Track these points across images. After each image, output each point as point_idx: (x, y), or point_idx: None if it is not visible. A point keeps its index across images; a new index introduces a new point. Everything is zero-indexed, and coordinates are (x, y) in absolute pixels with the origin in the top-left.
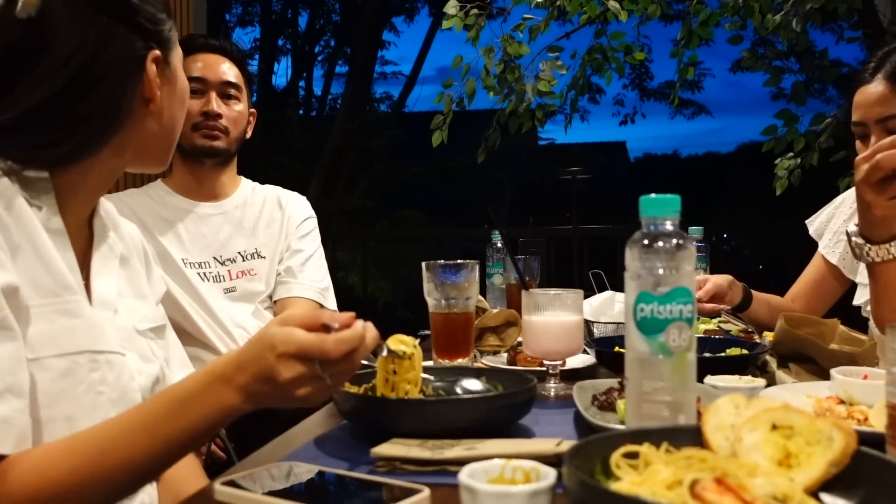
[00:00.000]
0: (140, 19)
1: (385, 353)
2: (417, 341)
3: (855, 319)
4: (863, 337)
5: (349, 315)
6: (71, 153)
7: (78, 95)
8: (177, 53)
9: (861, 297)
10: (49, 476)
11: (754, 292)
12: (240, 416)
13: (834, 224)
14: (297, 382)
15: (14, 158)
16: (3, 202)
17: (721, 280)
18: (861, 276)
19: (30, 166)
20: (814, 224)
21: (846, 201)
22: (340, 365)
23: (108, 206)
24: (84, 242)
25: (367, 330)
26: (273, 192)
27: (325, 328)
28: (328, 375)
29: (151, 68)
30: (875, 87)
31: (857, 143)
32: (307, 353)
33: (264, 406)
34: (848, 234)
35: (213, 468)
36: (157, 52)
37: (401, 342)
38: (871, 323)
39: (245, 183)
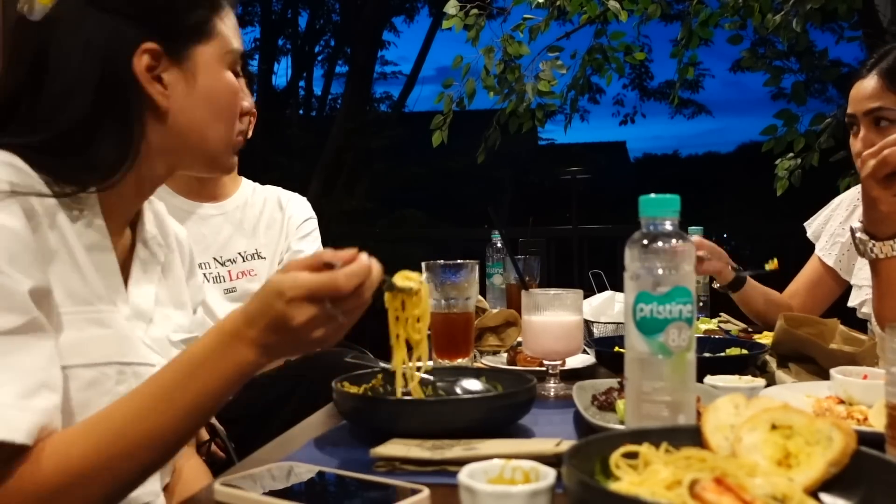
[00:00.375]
0: (131, 8)
1: (392, 290)
2: (424, 276)
3: (851, 321)
4: (862, 337)
5: (351, 251)
6: (105, 171)
7: (89, 104)
8: (205, 47)
9: (856, 299)
10: (71, 457)
11: (752, 281)
12: (240, 417)
13: (830, 226)
14: (311, 325)
15: (56, 178)
16: (43, 208)
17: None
18: (856, 277)
19: (72, 188)
20: (811, 226)
21: (843, 203)
22: (351, 301)
23: (158, 208)
24: (126, 248)
25: (372, 262)
26: (273, 192)
27: (329, 266)
28: (340, 313)
29: (141, 62)
30: (868, 81)
31: (851, 138)
32: (317, 293)
33: (281, 357)
34: (852, 230)
35: (214, 468)
36: (152, 44)
37: (407, 278)
38: (871, 323)
39: (245, 183)
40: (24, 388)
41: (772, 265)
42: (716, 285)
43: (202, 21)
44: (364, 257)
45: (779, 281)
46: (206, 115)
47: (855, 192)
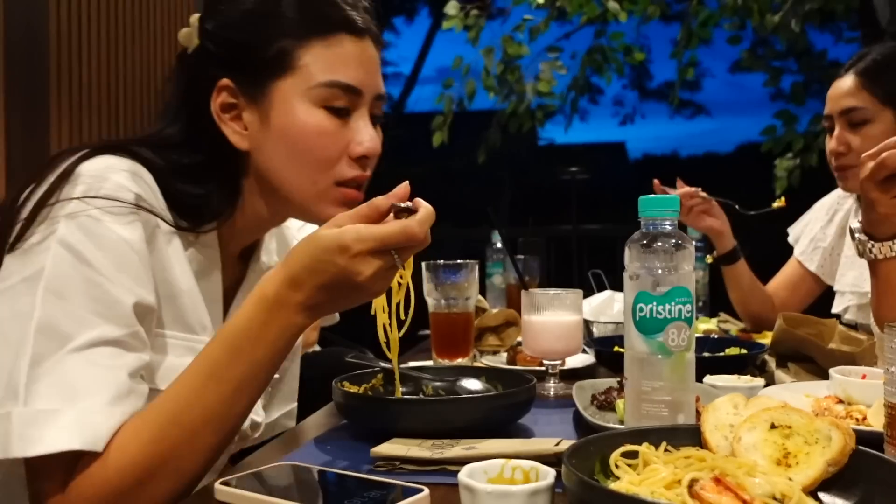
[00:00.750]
0: (212, 43)
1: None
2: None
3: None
4: (861, 337)
5: (403, 186)
6: (215, 208)
7: (184, 137)
8: (282, 82)
9: (839, 306)
10: (131, 454)
11: (744, 262)
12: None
13: (810, 230)
14: (376, 278)
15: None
16: (162, 233)
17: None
18: (839, 283)
19: (187, 222)
20: (793, 232)
21: (822, 207)
22: (411, 251)
23: (288, 235)
24: (236, 277)
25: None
26: None
27: (395, 211)
28: (399, 261)
29: (217, 100)
30: (845, 81)
31: (827, 137)
32: (389, 244)
33: (327, 313)
34: (851, 231)
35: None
36: (228, 81)
37: None
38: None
39: None
40: (112, 397)
41: (779, 203)
42: (709, 257)
43: (282, 53)
44: (423, 202)
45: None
46: (284, 158)
47: (835, 195)
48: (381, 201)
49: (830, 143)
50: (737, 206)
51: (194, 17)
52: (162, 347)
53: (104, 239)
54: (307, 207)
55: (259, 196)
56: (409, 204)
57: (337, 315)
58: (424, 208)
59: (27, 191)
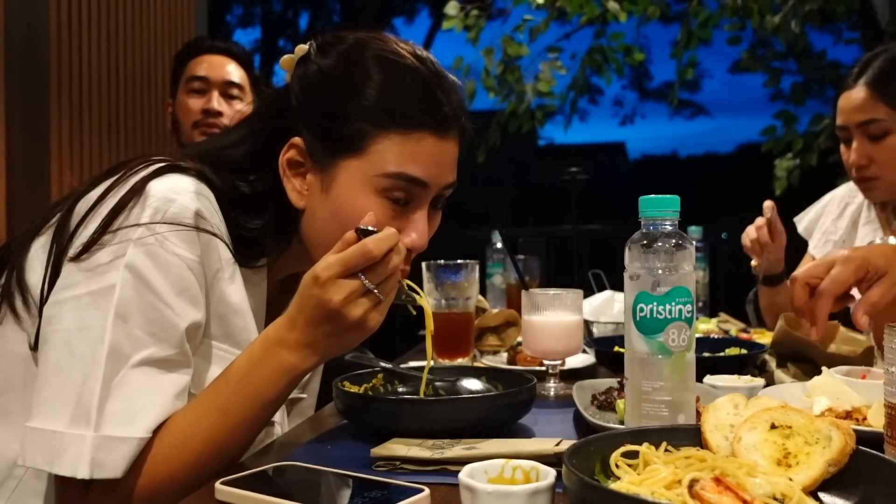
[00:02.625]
0: (297, 99)
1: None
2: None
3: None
4: (861, 338)
5: (369, 215)
6: (269, 242)
7: (255, 174)
8: (350, 162)
9: None
10: (148, 472)
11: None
12: None
13: (822, 223)
14: (349, 302)
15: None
16: (220, 254)
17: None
18: None
19: (242, 256)
20: (802, 222)
21: (834, 199)
22: (382, 268)
23: None
24: (281, 294)
25: (395, 231)
26: None
27: (358, 234)
28: (376, 287)
29: (285, 155)
30: (857, 93)
31: (842, 146)
32: (350, 265)
33: (329, 354)
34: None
35: None
36: (300, 140)
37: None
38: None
39: None
40: (160, 417)
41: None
42: (755, 263)
43: (358, 135)
44: (388, 227)
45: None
46: (331, 232)
47: (846, 188)
48: (348, 234)
49: (851, 156)
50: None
51: (301, 49)
52: (210, 357)
53: (167, 262)
54: None
55: (305, 246)
56: (372, 227)
57: None
58: (386, 229)
59: (94, 198)
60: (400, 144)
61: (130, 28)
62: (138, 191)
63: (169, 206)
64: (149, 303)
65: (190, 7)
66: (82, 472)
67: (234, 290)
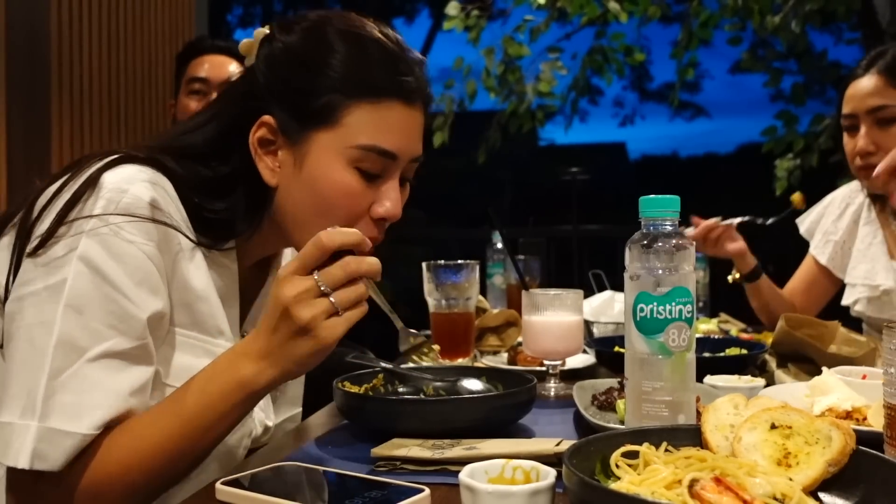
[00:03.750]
0: (265, 78)
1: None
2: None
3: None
4: (862, 339)
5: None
6: (238, 224)
7: (219, 156)
8: (322, 135)
9: (849, 298)
10: (96, 469)
11: (765, 275)
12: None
13: (824, 224)
14: (299, 300)
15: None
16: (191, 254)
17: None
18: (850, 276)
19: (207, 239)
20: (804, 223)
21: (835, 201)
22: (336, 271)
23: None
24: (256, 284)
25: (364, 239)
26: None
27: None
28: (333, 294)
29: (256, 133)
30: (868, 80)
31: (845, 136)
32: (304, 258)
33: (285, 369)
34: None
35: None
36: (270, 118)
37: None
38: (865, 322)
39: None
40: (107, 416)
41: (797, 202)
42: (731, 278)
43: (329, 107)
44: (355, 231)
45: (779, 281)
46: (307, 206)
47: (847, 189)
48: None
49: (859, 143)
50: (758, 221)
51: (259, 32)
52: (180, 345)
53: (122, 252)
54: None
55: (278, 225)
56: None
57: None
58: (346, 229)
59: (51, 192)
60: (370, 114)
61: (131, 28)
62: (92, 182)
63: (122, 196)
64: (106, 294)
65: (190, 7)
66: (23, 462)
67: (197, 276)
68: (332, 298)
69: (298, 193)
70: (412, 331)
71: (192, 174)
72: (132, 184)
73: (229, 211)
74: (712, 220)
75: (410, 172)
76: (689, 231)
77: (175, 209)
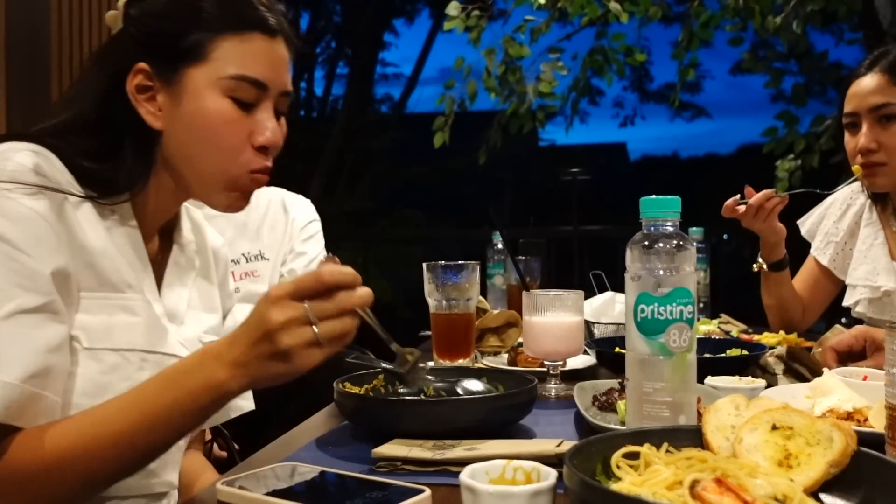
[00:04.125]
0: (133, 28)
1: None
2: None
3: (847, 320)
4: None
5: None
6: (127, 180)
7: (96, 114)
8: (194, 70)
9: (850, 299)
10: (45, 449)
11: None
12: (242, 417)
13: (825, 225)
14: (286, 326)
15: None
16: (71, 204)
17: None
18: (851, 277)
19: (96, 191)
20: (805, 225)
21: (836, 202)
22: (329, 306)
23: (196, 216)
24: (160, 251)
25: (356, 276)
26: (278, 194)
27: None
28: (319, 325)
29: (133, 81)
30: (870, 79)
31: (847, 135)
32: (301, 286)
33: (257, 381)
34: None
35: (216, 468)
36: (144, 64)
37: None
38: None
39: None
40: (29, 369)
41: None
42: (756, 266)
43: (197, 44)
44: (349, 269)
45: None
46: (192, 141)
47: (848, 190)
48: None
49: (860, 140)
50: (817, 191)
51: (121, 2)
52: (92, 309)
53: (15, 213)
54: (208, 192)
55: (170, 172)
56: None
57: None
58: (346, 268)
59: None
60: (236, 46)
61: None
62: None
63: (5, 164)
64: (5, 254)
65: None
66: None
67: (93, 234)
68: (316, 329)
69: (182, 130)
70: (407, 350)
71: (72, 145)
72: (15, 153)
73: (115, 170)
74: (769, 191)
75: (284, 107)
76: (733, 204)
77: (60, 173)
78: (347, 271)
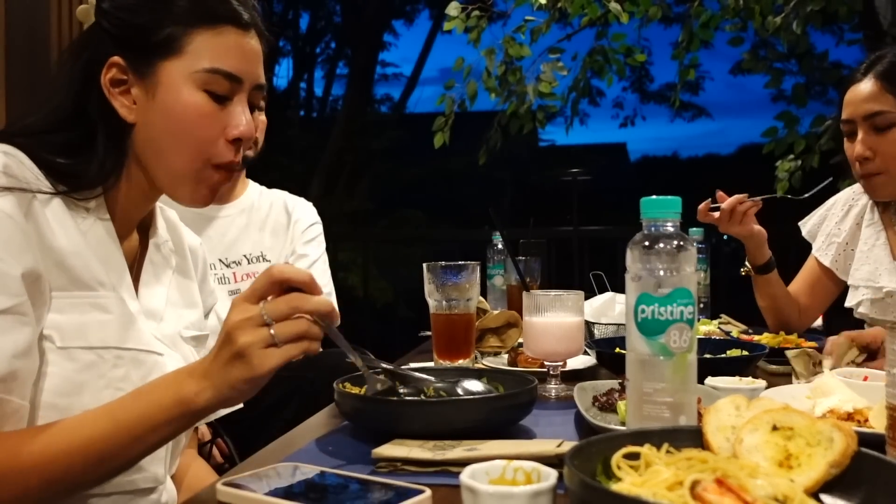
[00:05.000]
0: (107, 22)
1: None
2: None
3: (850, 321)
4: None
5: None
6: (99, 174)
7: (71, 110)
8: (169, 64)
9: (852, 300)
10: (21, 453)
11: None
12: (242, 417)
13: (826, 226)
14: (241, 325)
15: (57, 177)
16: (40, 202)
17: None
18: (853, 278)
19: (68, 185)
20: (807, 226)
21: (838, 203)
22: (281, 306)
23: (171, 216)
24: (136, 250)
25: (314, 282)
26: (280, 196)
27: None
28: (274, 326)
29: (107, 75)
30: (865, 85)
31: (846, 142)
32: (256, 286)
33: (221, 392)
34: None
35: (216, 469)
36: (118, 58)
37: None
38: (867, 325)
39: (252, 186)
40: None
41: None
42: (743, 270)
43: (171, 38)
44: (308, 274)
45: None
46: (165, 135)
47: (850, 192)
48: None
49: (856, 149)
50: (788, 196)
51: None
52: (64, 308)
53: None
54: (177, 184)
55: (140, 166)
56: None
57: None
58: (301, 270)
59: None
60: (209, 40)
61: None
62: None
63: None
64: None
65: None
66: None
67: (63, 232)
68: (272, 330)
69: (156, 123)
70: (379, 376)
71: (47, 142)
72: None
73: (87, 160)
74: (741, 195)
75: (258, 100)
76: (702, 207)
77: (30, 171)
78: (299, 269)
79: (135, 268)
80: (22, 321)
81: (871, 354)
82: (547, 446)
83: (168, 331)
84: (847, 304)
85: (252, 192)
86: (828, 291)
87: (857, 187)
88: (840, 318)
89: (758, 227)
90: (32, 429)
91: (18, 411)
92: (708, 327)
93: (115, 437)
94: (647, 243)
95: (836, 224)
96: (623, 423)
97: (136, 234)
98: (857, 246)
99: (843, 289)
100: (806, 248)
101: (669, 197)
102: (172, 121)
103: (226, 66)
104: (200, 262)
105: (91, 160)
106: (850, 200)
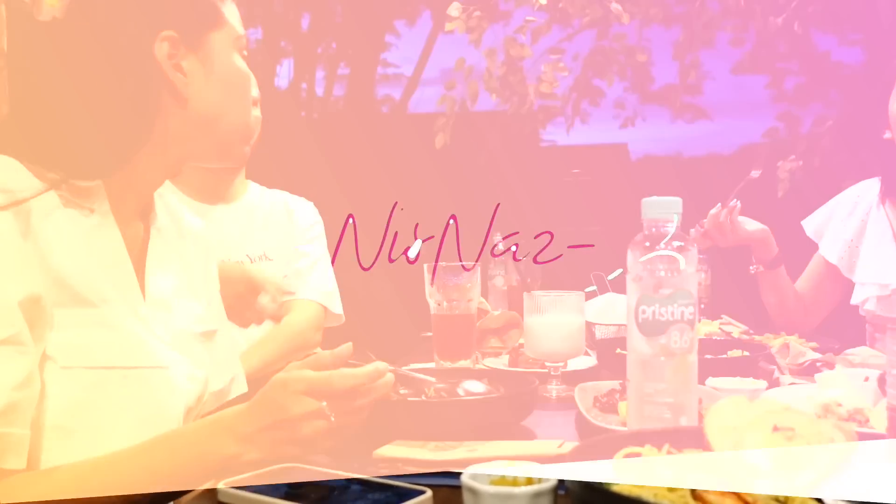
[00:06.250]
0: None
1: None
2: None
3: (855, 318)
4: None
5: (346, 347)
6: (120, 154)
7: (100, 94)
8: (218, 34)
9: (859, 297)
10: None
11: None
12: None
13: (833, 223)
14: (305, 419)
15: (62, 170)
16: (41, 214)
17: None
18: (860, 275)
19: (77, 178)
20: (812, 225)
21: (844, 199)
22: (345, 402)
23: (170, 202)
24: (140, 239)
25: (377, 372)
26: (281, 196)
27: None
28: (333, 414)
29: (161, 49)
30: None
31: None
32: (314, 389)
33: (267, 459)
34: None
35: None
36: (170, 32)
37: None
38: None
39: (253, 186)
40: None
41: None
42: (753, 268)
43: (212, 8)
44: (370, 366)
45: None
46: (223, 101)
47: (856, 189)
48: (322, 354)
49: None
50: (753, 173)
51: None
52: (67, 326)
53: None
54: (233, 146)
55: (176, 143)
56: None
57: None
58: (361, 369)
59: None
60: (229, 8)
61: None
62: None
63: None
64: None
65: None
66: None
67: (63, 249)
68: (332, 419)
69: (214, 93)
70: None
71: (44, 135)
72: None
73: (107, 141)
74: (713, 210)
75: None
76: (694, 232)
77: (28, 178)
78: (357, 373)
79: (139, 259)
80: (20, 351)
81: None
82: (547, 447)
83: (177, 325)
84: (853, 301)
85: (253, 193)
86: (833, 289)
87: (862, 184)
88: (844, 318)
89: (757, 227)
90: (63, 467)
91: (21, 442)
92: (709, 328)
93: (148, 485)
94: (648, 244)
95: (841, 221)
96: (624, 424)
97: (139, 222)
98: (863, 243)
99: (848, 286)
100: (805, 249)
101: (670, 197)
102: (230, 87)
103: (243, 31)
104: (203, 248)
105: (113, 138)
106: (855, 197)
